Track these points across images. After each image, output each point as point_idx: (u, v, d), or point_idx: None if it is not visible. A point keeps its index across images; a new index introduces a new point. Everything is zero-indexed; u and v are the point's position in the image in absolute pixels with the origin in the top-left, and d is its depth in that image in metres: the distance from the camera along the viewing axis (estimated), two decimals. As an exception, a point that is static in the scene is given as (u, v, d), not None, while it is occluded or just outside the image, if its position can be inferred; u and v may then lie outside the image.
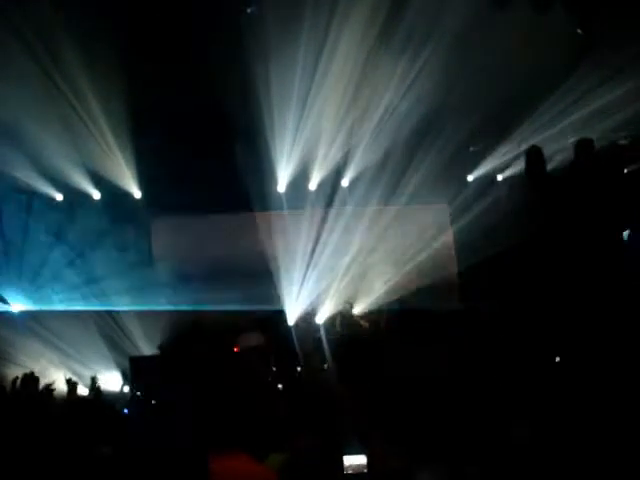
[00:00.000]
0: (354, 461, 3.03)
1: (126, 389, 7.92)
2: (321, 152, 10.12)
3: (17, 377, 4.61)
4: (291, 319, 9.82)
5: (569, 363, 5.13)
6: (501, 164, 10.98)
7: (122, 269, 9.19)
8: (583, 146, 5.72)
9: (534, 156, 5.75)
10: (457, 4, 7.50)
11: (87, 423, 3.58)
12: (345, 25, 7.93)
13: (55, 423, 3.56)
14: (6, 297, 8.97)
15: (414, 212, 11.07)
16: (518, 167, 10.88)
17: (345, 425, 3.41)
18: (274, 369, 7.83)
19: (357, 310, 9.59)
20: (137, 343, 9.23)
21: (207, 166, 9.59)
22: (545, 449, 3.17)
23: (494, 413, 3.67)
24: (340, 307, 9.55)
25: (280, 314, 9.70)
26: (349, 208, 10.66)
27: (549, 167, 10.17)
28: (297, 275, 10.26)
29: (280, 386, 6.27)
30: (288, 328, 9.66)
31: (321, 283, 10.22)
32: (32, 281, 8.98)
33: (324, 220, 10.60)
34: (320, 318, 10.05)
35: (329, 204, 10.55)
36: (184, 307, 9.80)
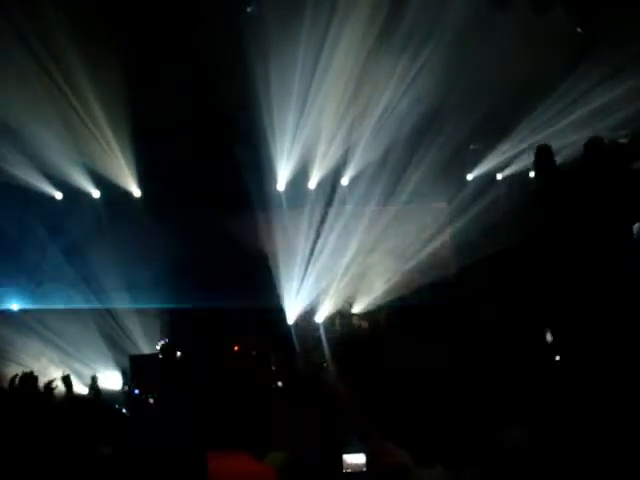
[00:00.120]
0: (353, 460, 3.03)
1: (126, 388, 7.93)
2: (321, 151, 10.12)
3: (16, 375, 4.61)
4: (291, 318, 9.82)
5: (570, 362, 5.12)
6: (501, 163, 10.98)
7: (121, 267, 9.18)
8: (594, 144, 5.74)
9: (544, 152, 5.75)
10: (457, 3, 7.49)
11: (87, 423, 3.59)
12: (345, 23, 7.92)
13: (55, 422, 3.56)
14: (6, 296, 8.99)
15: (414, 211, 11.08)
16: (518, 166, 10.93)
17: (344, 423, 3.41)
18: (273, 368, 7.85)
19: (356, 309, 9.58)
20: (137, 342, 9.24)
21: (207, 165, 9.59)
22: (545, 448, 3.17)
23: (494, 411, 3.67)
24: (339, 306, 9.54)
25: (280, 313, 9.70)
26: (349, 207, 10.67)
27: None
28: (297, 274, 10.26)
29: (280, 383, 6.29)
30: (288, 327, 9.67)
31: (321, 282, 10.22)
32: (32, 279, 8.98)
33: (324, 219, 10.61)
34: (319, 317, 10.06)
35: (329, 203, 10.55)
36: (183, 306, 9.82)
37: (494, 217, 10.05)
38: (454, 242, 11.07)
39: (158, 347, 7.55)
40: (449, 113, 9.57)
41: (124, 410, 5.66)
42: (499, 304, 8.76)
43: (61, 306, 8.98)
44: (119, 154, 9.19)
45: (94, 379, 6.34)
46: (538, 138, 10.04)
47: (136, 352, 8.87)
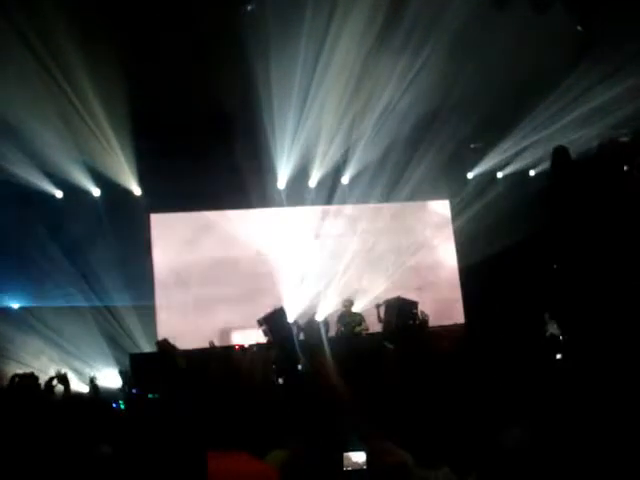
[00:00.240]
0: (353, 458, 3.03)
1: (126, 387, 7.93)
2: (321, 149, 10.13)
3: (15, 376, 4.61)
4: (291, 316, 9.83)
5: (571, 363, 5.13)
6: (501, 161, 11.01)
7: (121, 266, 9.19)
8: (608, 144, 5.76)
9: (561, 153, 5.76)
10: (458, 2, 7.49)
11: (86, 422, 3.59)
12: (346, 22, 7.91)
13: (53, 421, 3.56)
14: (6, 294, 8.99)
15: (414, 209, 11.10)
16: (518, 165, 10.95)
17: (345, 422, 3.41)
18: (274, 366, 7.83)
19: (357, 308, 9.58)
20: (137, 340, 9.25)
21: (207, 163, 9.60)
22: (545, 448, 3.17)
23: (494, 410, 3.67)
24: (340, 305, 9.54)
25: (280, 311, 9.70)
26: (349, 205, 10.68)
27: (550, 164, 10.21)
28: (297, 272, 10.27)
29: (281, 380, 6.28)
30: (288, 325, 9.67)
31: (321, 280, 10.23)
32: (32, 277, 8.98)
33: (324, 217, 10.62)
34: (320, 315, 10.06)
35: (329, 201, 10.56)
36: (183, 304, 9.83)
37: (495, 215, 10.09)
38: (455, 239, 11.10)
39: (156, 345, 7.52)
40: (450, 112, 9.58)
41: (124, 406, 5.66)
42: (500, 303, 8.77)
43: (61, 304, 8.99)
44: (119, 152, 9.20)
45: (93, 378, 6.34)
46: (538, 137, 10.08)
47: (136, 350, 8.89)
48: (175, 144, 9.27)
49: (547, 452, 3.15)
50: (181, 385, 4.93)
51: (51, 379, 5.12)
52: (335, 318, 9.45)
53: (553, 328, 6.28)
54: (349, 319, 9.22)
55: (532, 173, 11.22)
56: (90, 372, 7.65)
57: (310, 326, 9.43)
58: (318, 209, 10.67)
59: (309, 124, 9.47)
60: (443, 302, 10.40)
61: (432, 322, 7.60)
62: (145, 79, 8.10)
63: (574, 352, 5.17)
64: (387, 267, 10.61)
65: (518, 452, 3.18)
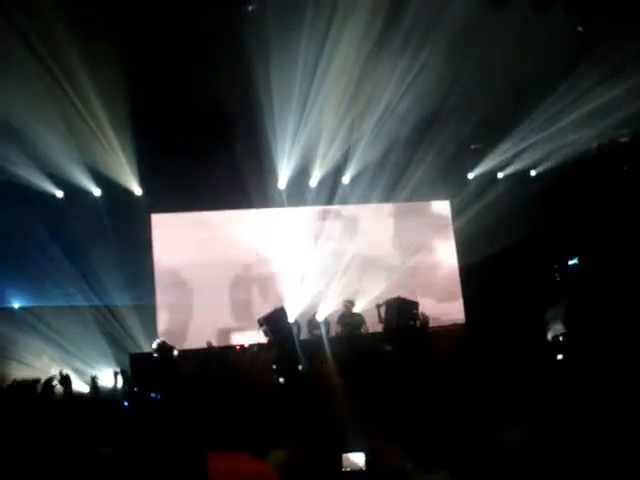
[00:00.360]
0: (352, 459, 3.03)
1: (126, 387, 7.93)
2: (322, 149, 10.14)
3: (15, 380, 4.61)
4: (292, 316, 9.84)
5: (572, 363, 5.13)
6: (501, 162, 11.02)
7: (122, 266, 9.19)
8: (608, 144, 5.78)
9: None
10: (457, 3, 7.49)
11: (86, 422, 3.59)
12: (346, 22, 7.91)
13: (54, 421, 3.57)
14: (7, 294, 9.00)
15: (415, 209, 11.10)
16: (518, 165, 10.96)
17: (345, 422, 3.41)
18: (274, 366, 7.83)
19: (357, 308, 9.58)
20: (137, 340, 9.26)
21: (207, 163, 9.60)
22: (545, 448, 3.18)
23: (494, 411, 3.67)
24: (341, 305, 9.55)
25: (281, 311, 9.71)
26: (350, 205, 10.69)
27: (551, 164, 10.22)
28: (298, 272, 10.28)
29: (281, 380, 6.28)
30: (288, 325, 9.68)
31: (322, 280, 10.23)
32: (32, 277, 8.99)
33: (324, 217, 10.62)
34: (320, 316, 10.06)
35: (330, 201, 10.57)
36: (183, 304, 9.83)
37: (495, 215, 10.10)
38: (456, 240, 11.11)
39: (154, 346, 7.53)
40: (450, 112, 9.58)
41: (124, 404, 5.66)
42: (500, 303, 8.78)
43: (62, 304, 9.00)
44: (120, 152, 9.20)
45: (94, 379, 6.34)
46: (538, 137, 10.09)
47: (137, 350, 8.89)
48: (175, 144, 9.28)
49: (547, 453, 3.15)
50: (181, 385, 4.93)
51: (51, 379, 5.12)
52: (335, 318, 9.46)
53: (553, 328, 6.29)
54: (349, 319, 9.22)
55: (532, 173, 11.24)
56: (91, 372, 7.66)
57: (308, 326, 9.45)
58: (319, 209, 10.68)
59: (309, 124, 9.48)
60: (443, 302, 10.41)
61: (432, 322, 7.61)
62: (145, 79, 8.10)
63: (574, 352, 5.17)
64: (387, 267, 10.62)
65: (518, 453, 3.17)
